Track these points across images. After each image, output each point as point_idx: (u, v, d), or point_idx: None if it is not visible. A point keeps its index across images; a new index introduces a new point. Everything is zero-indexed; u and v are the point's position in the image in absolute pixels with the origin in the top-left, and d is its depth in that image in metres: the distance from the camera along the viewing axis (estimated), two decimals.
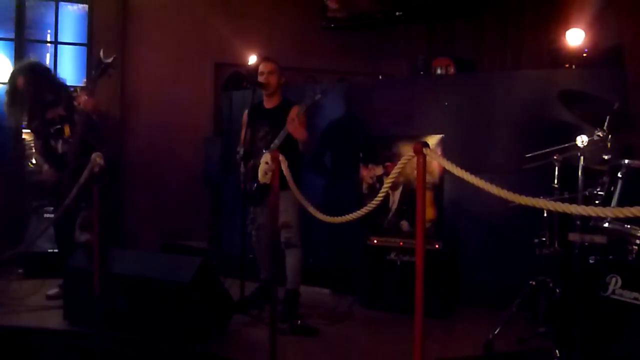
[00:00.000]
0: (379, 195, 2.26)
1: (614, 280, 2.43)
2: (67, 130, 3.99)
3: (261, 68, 4.00)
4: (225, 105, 5.42)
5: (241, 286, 3.75)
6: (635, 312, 2.33)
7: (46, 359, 3.27)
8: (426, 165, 2.03)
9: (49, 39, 5.91)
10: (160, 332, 3.23)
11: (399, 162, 2.10)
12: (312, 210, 2.61)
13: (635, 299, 2.34)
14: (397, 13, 5.42)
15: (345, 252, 4.55)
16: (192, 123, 6.05)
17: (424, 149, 1.96)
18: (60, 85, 4.14)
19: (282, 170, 2.76)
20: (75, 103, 3.94)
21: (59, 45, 5.84)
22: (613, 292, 2.42)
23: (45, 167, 4.02)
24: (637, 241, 2.58)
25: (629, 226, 2.56)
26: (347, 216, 2.40)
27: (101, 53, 3.81)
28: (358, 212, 2.36)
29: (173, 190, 5.85)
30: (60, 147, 4.00)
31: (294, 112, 3.76)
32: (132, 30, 5.92)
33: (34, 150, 4.72)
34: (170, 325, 3.21)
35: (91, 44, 5.82)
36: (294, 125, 3.70)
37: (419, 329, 1.97)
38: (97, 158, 3.11)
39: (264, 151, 3.81)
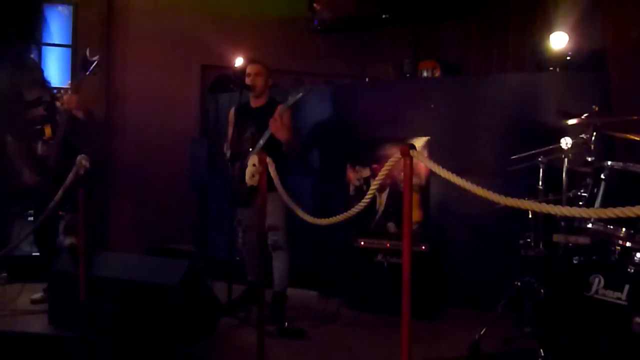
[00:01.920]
0: (366, 197, 2.27)
1: (597, 280, 2.47)
2: (47, 131, 3.95)
3: (248, 70, 4.00)
4: (212, 107, 5.40)
5: (228, 289, 3.74)
6: (617, 312, 2.37)
7: None
8: (413, 167, 2.05)
9: None
10: (147, 335, 3.21)
11: (386, 164, 2.12)
12: (299, 212, 2.62)
13: (618, 298, 2.38)
14: (383, 16, 5.44)
15: (333, 254, 4.55)
16: (178, 125, 6.02)
17: (410, 151, 1.98)
18: (44, 84, 4.11)
19: (269, 172, 2.77)
20: (58, 104, 3.91)
21: (43, 47, 5.79)
22: (596, 292, 2.46)
23: (26, 171, 3.98)
24: (620, 242, 2.62)
25: (611, 227, 2.59)
26: (334, 218, 2.41)
27: (87, 52, 3.79)
28: (345, 214, 2.38)
29: (159, 193, 5.82)
30: (39, 148, 3.96)
31: (277, 112, 3.78)
32: (117, 32, 5.88)
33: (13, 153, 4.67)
34: (157, 329, 3.19)
35: (76, 45, 5.77)
36: (276, 125, 3.70)
37: (406, 330, 1.99)
38: (82, 160, 3.10)
39: (250, 151, 3.81)
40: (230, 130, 4.06)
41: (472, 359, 3.14)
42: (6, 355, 3.26)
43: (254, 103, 4.02)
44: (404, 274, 1.99)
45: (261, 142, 3.77)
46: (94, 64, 3.78)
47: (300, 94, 3.74)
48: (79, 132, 3.96)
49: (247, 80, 3.94)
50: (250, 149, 3.82)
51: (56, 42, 5.86)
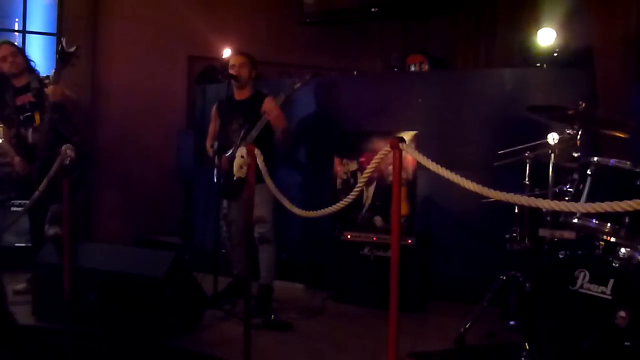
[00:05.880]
0: (355, 190, 2.26)
1: (582, 274, 2.49)
2: (37, 117, 3.90)
3: (232, 61, 3.99)
4: (199, 98, 5.36)
5: (214, 281, 3.73)
6: (602, 306, 2.39)
7: (14, 356, 3.19)
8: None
9: (17, 28, 5.75)
10: (132, 327, 3.19)
11: (375, 157, 2.11)
12: (287, 203, 2.60)
13: (603, 292, 2.41)
14: (372, 9, 5.43)
15: (319, 247, 4.55)
16: (165, 116, 5.97)
17: (400, 144, 1.97)
18: (32, 70, 4.05)
19: (257, 164, 2.75)
20: (47, 90, 3.85)
21: (27, 35, 5.69)
22: (581, 286, 2.48)
23: (17, 158, 3.92)
24: (605, 237, 2.64)
25: (596, 222, 2.62)
26: (321, 211, 2.40)
27: (63, 42, 3.72)
28: (333, 206, 2.36)
29: (145, 184, 5.77)
30: (30, 136, 3.91)
31: (270, 102, 3.76)
32: (103, 20, 5.80)
33: (1, 141, 4.59)
34: (142, 321, 3.17)
35: (61, 34, 5.68)
36: (275, 113, 3.69)
37: (393, 323, 1.99)
38: (67, 150, 3.04)
39: (239, 143, 3.79)
40: (212, 126, 4.04)
41: (458, 352, 3.16)
42: None
43: (238, 95, 4.00)
44: (392, 267, 1.99)
45: (253, 133, 3.74)
46: (72, 55, 3.71)
47: (298, 84, 3.74)
48: (68, 120, 3.91)
49: (231, 71, 3.92)
50: (239, 141, 3.79)
51: (41, 30, 5.77)
